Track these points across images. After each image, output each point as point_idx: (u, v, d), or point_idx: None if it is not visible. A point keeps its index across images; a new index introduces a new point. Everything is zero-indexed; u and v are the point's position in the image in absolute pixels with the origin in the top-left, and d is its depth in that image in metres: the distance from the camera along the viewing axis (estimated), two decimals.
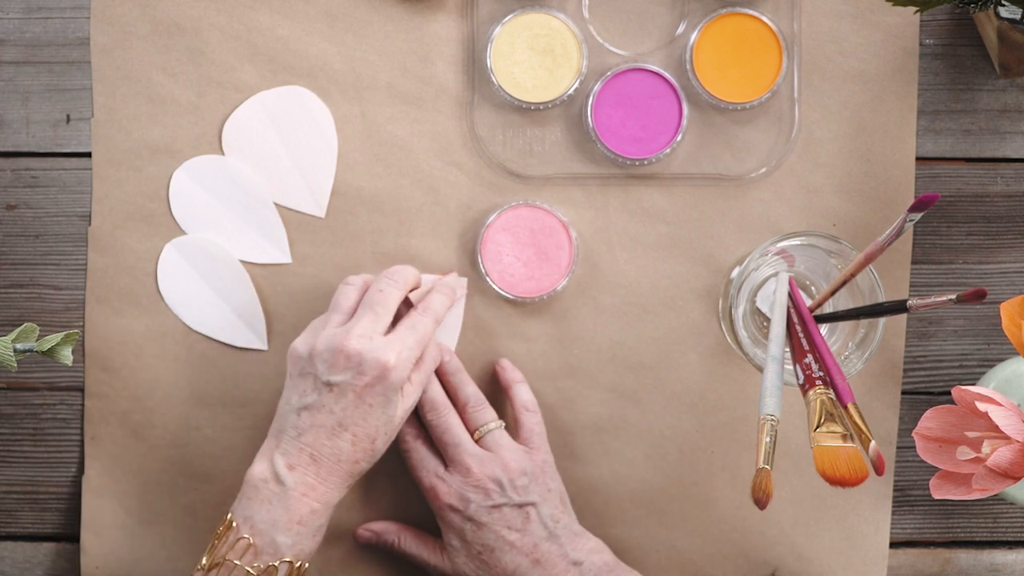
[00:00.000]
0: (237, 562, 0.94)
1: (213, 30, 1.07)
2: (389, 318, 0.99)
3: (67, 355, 0.94)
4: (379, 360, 0.95)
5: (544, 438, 1.04)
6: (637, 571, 1.01)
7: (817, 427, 0.91)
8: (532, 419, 1.04)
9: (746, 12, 1.06)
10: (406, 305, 1.03)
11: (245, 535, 0.95)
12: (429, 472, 1.02)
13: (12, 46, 1.08)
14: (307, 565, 0.96)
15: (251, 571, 0.94)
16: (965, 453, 0.88)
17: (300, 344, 0.99)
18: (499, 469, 1.00)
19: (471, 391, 1.04)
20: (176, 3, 1.07)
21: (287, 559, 0.95)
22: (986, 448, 0.86)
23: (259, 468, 0.96)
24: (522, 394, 1.05)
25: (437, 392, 1.03)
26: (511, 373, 1.06)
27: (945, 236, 1.08)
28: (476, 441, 1.02)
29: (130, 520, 1.08)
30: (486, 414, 1.04)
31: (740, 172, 1.07)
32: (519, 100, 1.06)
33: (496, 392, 1.07)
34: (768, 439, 0.90)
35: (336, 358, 0.96)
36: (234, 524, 0.95)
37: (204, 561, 0.95)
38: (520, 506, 1.00)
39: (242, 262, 1.08)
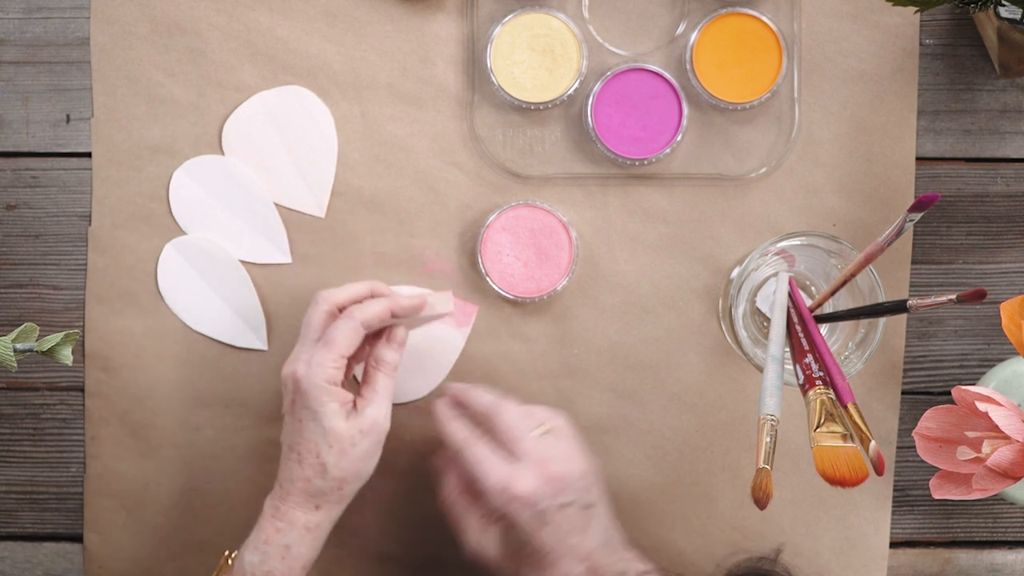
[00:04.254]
0: None
1: (213, 30, 1.07)
2: (313, 337, 0.98)
3: (67, 355, 0.94)
4: (292, 374, 0.97)
5: (581, 444, 1.02)
6: None
7: (817, 427, 0.92)
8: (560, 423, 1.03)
9: (746, 12, 1.06)
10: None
11: (228, 562, 1.00)
12: (496, 464, 0.98)
13: (12, 46, 1.08)
14: None
15: None
16: (965, 453, 0.88)
17: None
18: (565, 466, 0.98)
19: (514, 404, 1.02)
20: (176, 3, 1.07)
21: None
22: (986, 448, 0.86)
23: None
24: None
25: (487, 397, 1.02)
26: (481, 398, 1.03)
27: (945, 236, 1.08)
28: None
29: (131, 520, 1.08)
30: (541, 414, 1.01)
31: (740, 172, 1.07)
32: (519, 100, 1.06)
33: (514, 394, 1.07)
34: (768, 439, 0.90)
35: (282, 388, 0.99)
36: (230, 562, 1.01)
37: None
38: (586, 507, 0.98)
39: (242, 262, 1.08)
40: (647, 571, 0.99)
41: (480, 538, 1.01)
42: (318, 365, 0.97)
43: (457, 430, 1.02)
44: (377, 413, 0.99)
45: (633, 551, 1.00)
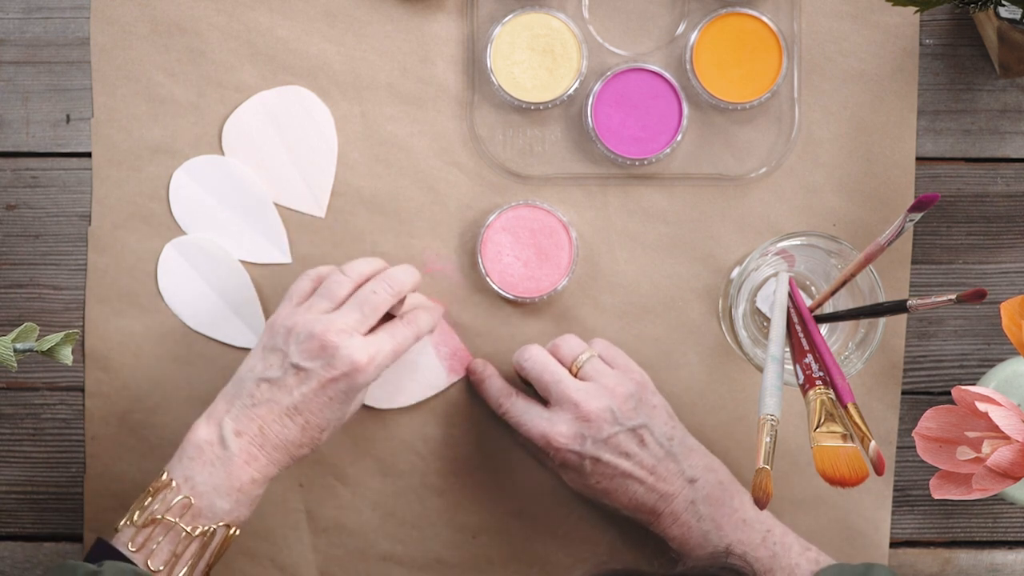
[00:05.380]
0: (176, 520, 0.94)
1: (213, 30, 1.07)
2: (375, 320, 0.99)
3: (67, 355, 0.94)
4: (352, 358, 0.96)
5: (627, 356, 1.04)
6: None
7: (817, 427, 0.92)
8: (599, 347, 1.04)
9: (746, 12, 1.06)
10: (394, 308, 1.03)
11: (185, 495, 0.94)
12: (535, 418, 1.01)
13: (12, 46, 1.08)
14: (238, 533, 0.96)
15: (189, 531, 0.94)
16: (965, 453, 0.88)
17: (279, 320, 0.99)
18: (607, 398, 1.00)
19: (537, 348, 1.04)
20: (176, 3, 1.07)
21: (224, 523, 0.95)
22: (986, 448, 0.86)
23: (204, 430, 0.96)
24: (565, 343, 1.04)
25: (529, 347, 1.04)
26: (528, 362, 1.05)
27: (945, 236, 1.08)
28: (575, 375, 1.02)
29: None
30: (575, 346, 1.03)
31: (740, 172, 1.07)
32: (519, 100, 1.06)
33: (516, 386, 1.07)
34: (768, 439, 0.90)
35: (311, 344, 0.96)
36: (173, 483, 0.95)
37: (136, 517, 0.94)
38: (633, 430, 1.00)
39: (242, 262, 1.08)
40: (724, 482, 1.00)
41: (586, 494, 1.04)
42: (379, 365, 0.97)
43: (491, 389, 1.04)
44: (361, 399, 1.01)
45: (709, 458, 1.02)
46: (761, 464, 0.89)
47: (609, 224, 1.07)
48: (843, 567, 0.94)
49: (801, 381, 0.96)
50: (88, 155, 1.08)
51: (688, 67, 1.06)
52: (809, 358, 0.96)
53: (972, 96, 1.08)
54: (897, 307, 0.94)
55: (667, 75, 1.06)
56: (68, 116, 1.08)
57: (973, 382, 1.08)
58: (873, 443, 0.88)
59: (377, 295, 0.99)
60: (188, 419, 1.07)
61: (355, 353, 0.96)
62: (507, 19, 1.06)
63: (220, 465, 0.95)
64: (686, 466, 1.00)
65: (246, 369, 0.98)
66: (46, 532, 1.09)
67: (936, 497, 0.88)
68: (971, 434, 0.88)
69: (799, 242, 1.01)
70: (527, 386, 1.05)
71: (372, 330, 0.99)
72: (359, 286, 1.01)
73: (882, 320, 0.99)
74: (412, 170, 1.08)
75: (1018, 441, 0.84)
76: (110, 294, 1.08)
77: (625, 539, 1.08)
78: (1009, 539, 1.09)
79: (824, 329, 1.03)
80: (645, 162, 1.07)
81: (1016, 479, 0.85)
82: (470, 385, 1.07)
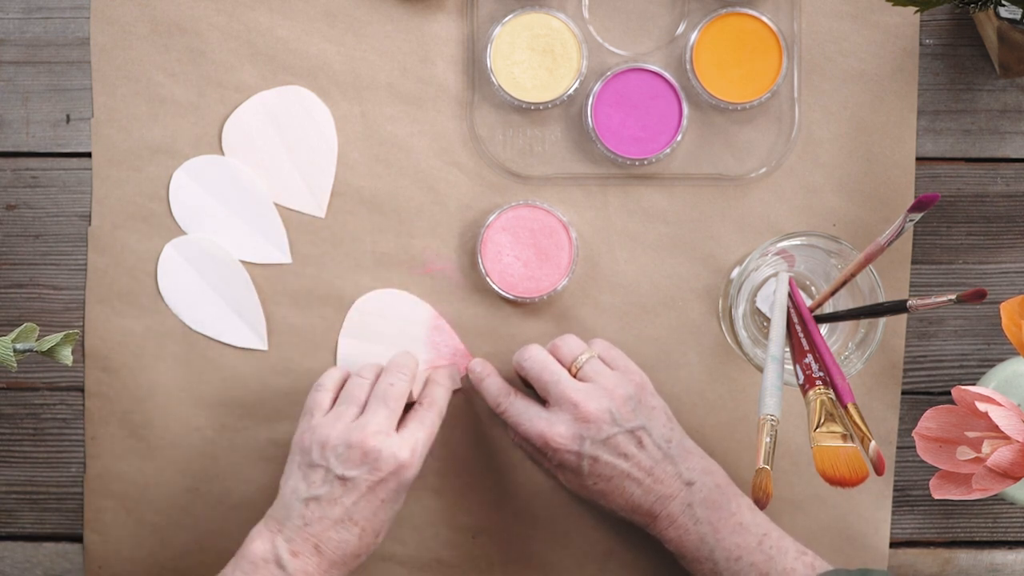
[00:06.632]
0: None
1: (213, 30, 1.07)
2: (400, 411, 0.99)
3: (67, 355, 0.94)
4: (396, 456, 0.96)
5: (627, 357, 1.04)
6: (746, 498, 1.01)
7: (817, 427, 0.92)
8: (599, 347, 1.04)
9: (746, 12, 1.06)
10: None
11: None
12: (534, 418, 1.01)
13: (12, 46, 1.08)
14: None
15: None
16: (965, 453, 0.88)
17: (309, 435, 0.98)
18: (606, 399, 1.00)
19: (537, 348, 1.04)
20: (176, 3, 1.07)
21: None
22: (986, 448, 0.86)
23: (260, 547, 0.95)
24: (566, 343, 1.04)
25: (529, 346, 1.04)
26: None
27: (945, 236, 1.08)
28: (574, 375, 1.02)
29: (131, 520, 1.08)
30: (575, 347, 1.03)
31: (740, 172, 1.07)
32: (519, 100, 1.06)
33: (516, 386, 1.07)
34: (768, 439, 0.90)
35: (352, 454, 0.96)
36: None
37: None
38: (632, 431, 1.00)
39: (242, 262, 1.08)
40: (721, 486, 1.00)
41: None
42: (420, 456, 0.98)
43: (490, 388, 1.04)
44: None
45: (706, 461, 1.01)
46: (761, 464, 0.89)
47: (609, 224, 1.07)
48: (840, 573, 0.94)
49: (801, 381, 0.96)
50: (88, 155, 1.08)
51: (688, 67, 1.06)
52: (809, 358, 0.96)
53: (972, 96, 1.08)
54: (897, 307, 0.94)
55: (667, 75, 1.06)
56: (68, 116, 1.08)
57: (973, 382, 1.08)
58: (873, 443, 0.88)
59: (395, 387, 1.00)
60: (188, 419, 1.08)
61: (398, 452, 0.97)
62: (507, 19, 1.06)
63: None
64: (683, 468, 1.00)
65: (289, 491, 0.97)
66: (46, 532, 1.09)
67: (936, 497, 0.88)
68: (971, 434, 0.88)
69: (799, 242, 1.01)
70: (527, 386, 1.05)
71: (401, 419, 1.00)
72: (374, 383, 1.02)
73: (882, 320, 0.99)
74: (412, 170, 1.08)
75: (1018, 441, 0.84)
76: (110, 294, 1.08)
77: (624, 539, 1.08)
78: (1009, 539, 1.09)
79: (824, 329, 1.03)
80: (645, 162, 1.07)
81: (1016, 479, 0.85)
82: (470, 385, 1.07)
